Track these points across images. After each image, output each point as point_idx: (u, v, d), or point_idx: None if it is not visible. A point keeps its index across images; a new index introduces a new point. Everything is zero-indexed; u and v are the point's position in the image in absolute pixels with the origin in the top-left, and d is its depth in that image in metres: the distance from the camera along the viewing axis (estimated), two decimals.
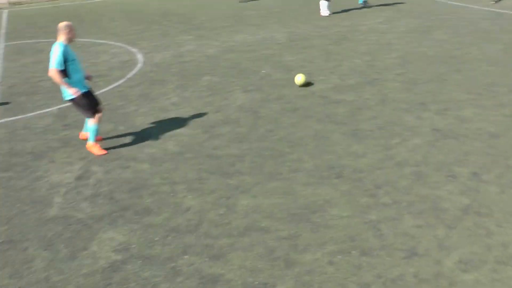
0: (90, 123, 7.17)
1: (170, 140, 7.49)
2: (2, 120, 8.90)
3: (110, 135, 7.88)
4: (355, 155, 6.79)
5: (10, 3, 23.30)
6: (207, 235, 5.28)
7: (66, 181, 6.52)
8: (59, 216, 5.75)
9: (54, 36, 15.52)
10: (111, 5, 21.49)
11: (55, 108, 9.34)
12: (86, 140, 7.50)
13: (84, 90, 7.05)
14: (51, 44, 15.06)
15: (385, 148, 6.95)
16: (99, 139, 7.51)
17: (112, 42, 14.29)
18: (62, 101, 9.51)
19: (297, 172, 6.44)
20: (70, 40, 6.85)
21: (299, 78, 9.29)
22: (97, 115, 7.17)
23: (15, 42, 15.11)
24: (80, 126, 8.20)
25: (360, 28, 14.28)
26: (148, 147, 7.37)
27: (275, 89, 9.61)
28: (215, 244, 5.13)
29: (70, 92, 6.81)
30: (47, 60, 12.76)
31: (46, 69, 11.90)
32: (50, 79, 11.06)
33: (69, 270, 4.83)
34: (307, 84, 9.59)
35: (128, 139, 7.72)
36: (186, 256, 4.94)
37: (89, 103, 7.10)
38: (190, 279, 4.63)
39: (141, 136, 7.79)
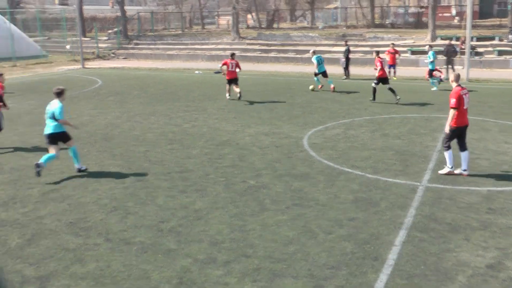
0: None
1: None
2: (432, 185, 10.42)
3: None
4: None
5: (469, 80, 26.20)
6: None
7: (475, 265, 7.17)
8: None
9: (505, 118, 16.80)
10: None
11: (484, 189, 10.23)
12: None
13: None
14: (497, 125, 15.93)
15: None
16: None
17: None
18: (494, 185, 10.38)
19: None
20: None
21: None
22: None
23: None
24: (509, 214, 8.85)
25: None
26: None
27: None
28: None
29: None
30: (490, 140, 14.03)
31: (486, 148, 13.15)
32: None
33: None
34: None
35: None
36: None
37: None
38: None
39: None
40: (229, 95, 21.84)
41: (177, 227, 8.57)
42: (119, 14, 55.34)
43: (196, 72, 32.52)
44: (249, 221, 8.76)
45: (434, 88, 23.64)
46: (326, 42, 40.91)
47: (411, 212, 9.08)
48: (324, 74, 23.87)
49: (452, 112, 10.81)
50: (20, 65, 38.90)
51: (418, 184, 10.53)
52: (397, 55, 28.02)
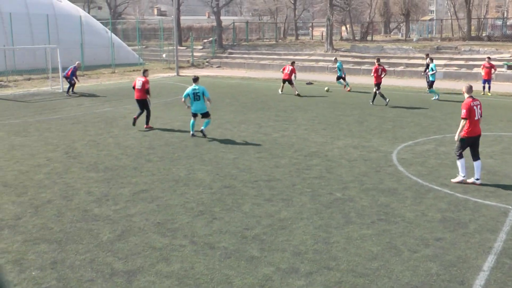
0: None
1: None
2: None
3: None
4: None
5: None
6: None
7: None
8: None
9: None
10: None
11: None
12: None
13: None
14: None
15: None
16: None
17: None
18: None
19: None
20: None
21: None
22: None
23: None
24: None
25: None
26: None
27: None
28: None
29: None
30: None
31: None
32: None
33: None
34: None
35: None
36: None
37: None
38: None
39: None
40: (281, 91, 27.83)
41: (261, 235, 8.67)
42: (214, 24, 56.89)
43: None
44: (334, 233, 8.71)
45: (434, 98, 25.21)
46: (419, 55, 39.91)
47: (502, 236, 8.65)
48: (340, 77, 29.58)
49: (462, 123, 11.35)
50: (119, 72, 40.82)
51: (510, 207, 10.01)
52: (492, 70, 26.78)
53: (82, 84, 31.62)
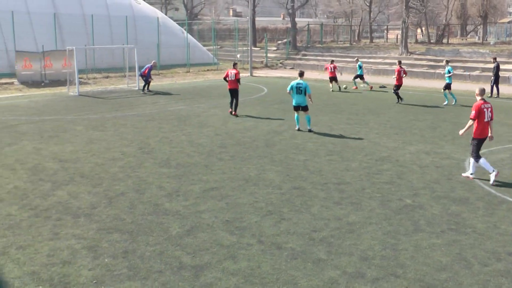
0: None
1: None
2: None
3: None
4: None
5: None
6: None
7: None
8: None
9: None
10: None
11: None
12: None
13: None
14: None
15: None
16: None
17: None
18: None
19: None
20: None
21: None
22: None
23: None
24: None
25: None
26: None
27: None
28: None
29: None
30: None
31: None
32: None
33: None
34: None
35: None
36: None
37: None
38: None
39: None
40: (332, 88, 29.92)
41: (329, 237, 8.63)
42: (289, 25, 57.00)
43: (362, 85, 32.35)
44: (402, 240, 8.55)
45: (453, 103, 24.80)
46: (498, 59, 38.38)
47: None
48: (361, 77, 31.19)
49: (469, 122, 12.13)
50: (193, 71, 41.61)
51: None
52: None
53: (157, 83, 32.48)
